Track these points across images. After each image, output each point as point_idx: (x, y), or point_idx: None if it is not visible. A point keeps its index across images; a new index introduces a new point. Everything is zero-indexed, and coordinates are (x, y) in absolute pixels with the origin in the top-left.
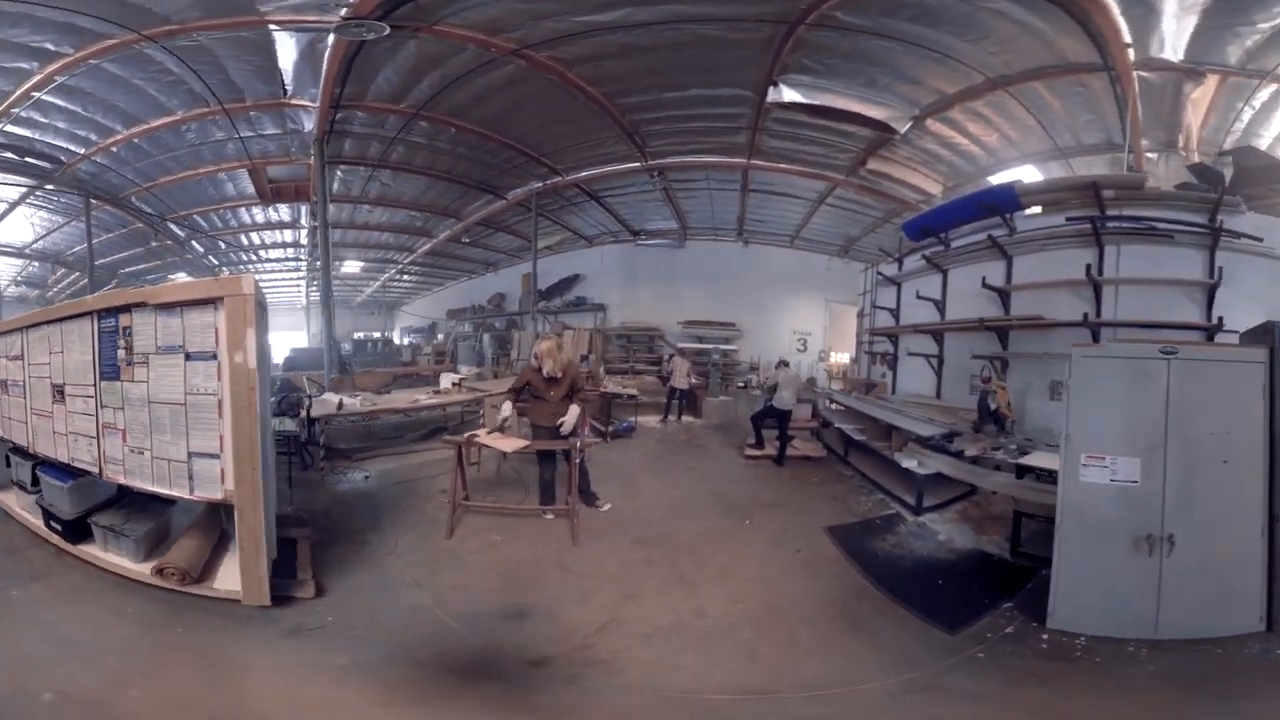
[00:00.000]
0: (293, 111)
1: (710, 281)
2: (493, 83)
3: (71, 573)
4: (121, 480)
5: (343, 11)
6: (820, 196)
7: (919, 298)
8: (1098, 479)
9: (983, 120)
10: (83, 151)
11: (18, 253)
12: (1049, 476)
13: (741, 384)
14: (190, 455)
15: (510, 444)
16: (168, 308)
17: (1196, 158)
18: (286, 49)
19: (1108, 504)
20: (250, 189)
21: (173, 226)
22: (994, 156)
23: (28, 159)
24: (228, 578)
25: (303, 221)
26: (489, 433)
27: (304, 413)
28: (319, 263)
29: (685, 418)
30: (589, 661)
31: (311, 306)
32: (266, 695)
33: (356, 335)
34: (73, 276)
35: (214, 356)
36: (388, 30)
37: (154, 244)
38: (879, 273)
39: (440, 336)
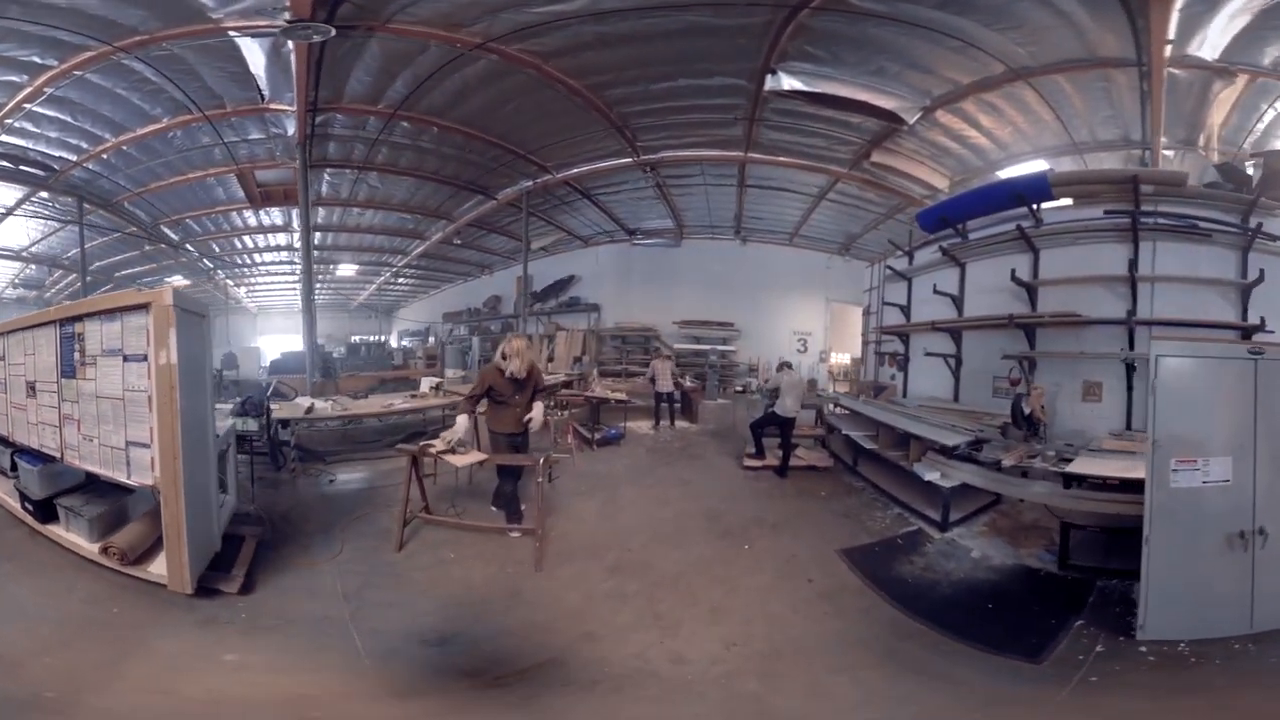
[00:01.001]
0: (274, 116)
1: (707, 281)
2: (469, 79)
3: (41, 551)
4: (77, 464)
5: (286, 15)
6: (821, 191)
7: (936, 292)
8: (1189, 483)
9: (995, 113)
10: (75, 159)
11: (15, 256)
12: (1102, 484)
13: (740, 388)
14: (128, 444)
15: (465, 458)
16: (110, 316)
17: (1216, 157)
18: (254, 54)
19: (1200, 506)
20: (241, 193)
21: (167, 231)
22: (1004, 150)
23: (22, 167)
24: (164, 563)
25: (295, 225)
26: (446, 444)
27: (266, 415)
28: (313, 266)
29: (680, 423)
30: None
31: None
32: (139, 676)
33: (353, 339)
34: (70, 278)
35: (145, 358)
36: (333, 32)
37: (147, 248)
38: (889, 267)
39: (431, 340)
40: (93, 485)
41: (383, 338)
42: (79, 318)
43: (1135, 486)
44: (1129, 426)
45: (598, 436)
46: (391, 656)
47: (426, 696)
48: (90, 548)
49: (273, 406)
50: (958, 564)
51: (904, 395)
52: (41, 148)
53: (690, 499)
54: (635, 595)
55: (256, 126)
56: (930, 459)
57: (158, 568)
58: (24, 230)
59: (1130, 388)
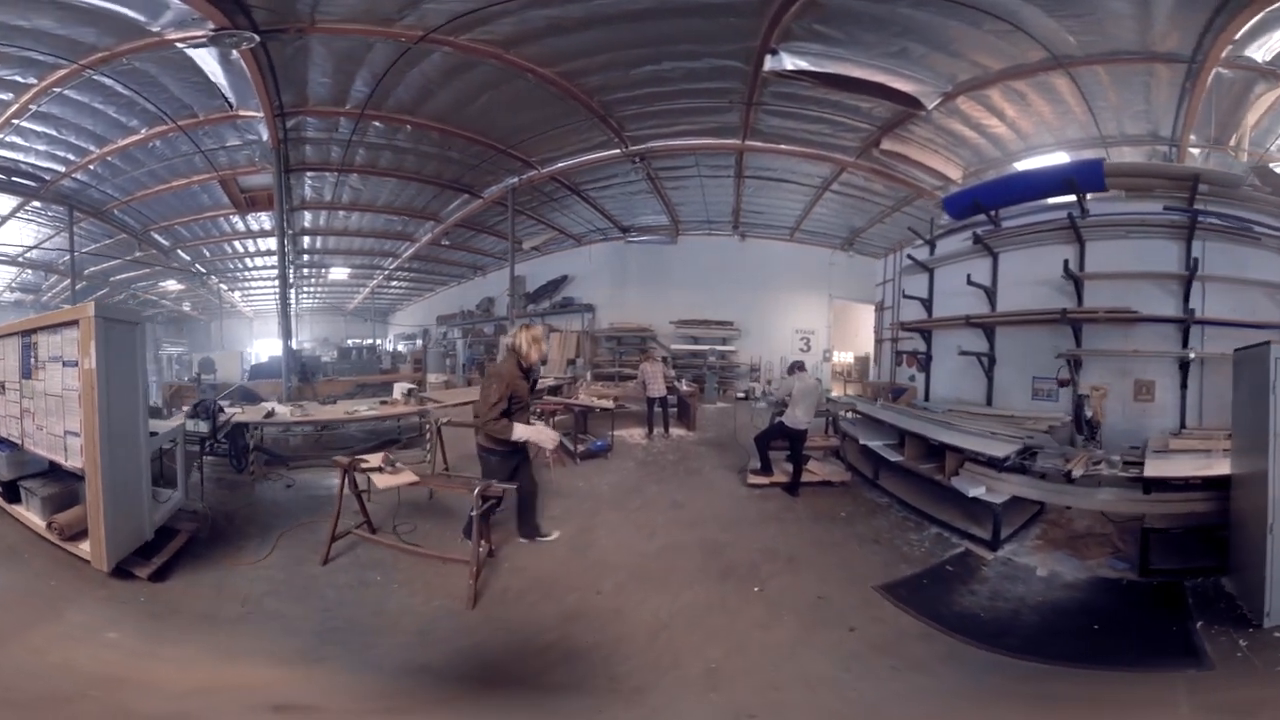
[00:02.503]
0: (246, 123)
1: (705, 278)
2: (429, 74)
3: (5, 527)
4: (33, 449)
5: (210, 24)
6: (824, 182)
7: (971, 284)
8: None
9: (1021, 101)
10: (63, 170)
11: (12, 261)
12: (1185, 484)
13: (742, 394)
14: (65, 433)
15: (392, 479)
16: (54, 329)
17: (1245, 158)
18: (208, 64)
19: None
20: (226, 199)
21: (157, 237)
22: (1025, 141)
23: (14, 178)
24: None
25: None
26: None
27: (221, 418)
28: (305, 270)
29: (676, 431)
30: None
31: (303, 314)
32: (36, 639)
33: (349, 343)
34: (65, 283)
35: (75, 363)
36: (257, 39)
37: (139, 254)
38: (909, 256)
39: (418, 343)
40: (53, 472)
41: (378, 342)
42: (35, 330)
43: (1216, 484)
44: (1183, 425)
45: (581, 449)
46: (236, 660)
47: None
48: (40, 523)
49: (232, 410)
50: (1028, 586)
51: (926, 398)
52: (32, 160)
53: (684, 526)
54: (588, 652)
55: (232, 134)
56: (970, 471)
57: (88, 546)
58: (20, 236)
59: (1184, 386)
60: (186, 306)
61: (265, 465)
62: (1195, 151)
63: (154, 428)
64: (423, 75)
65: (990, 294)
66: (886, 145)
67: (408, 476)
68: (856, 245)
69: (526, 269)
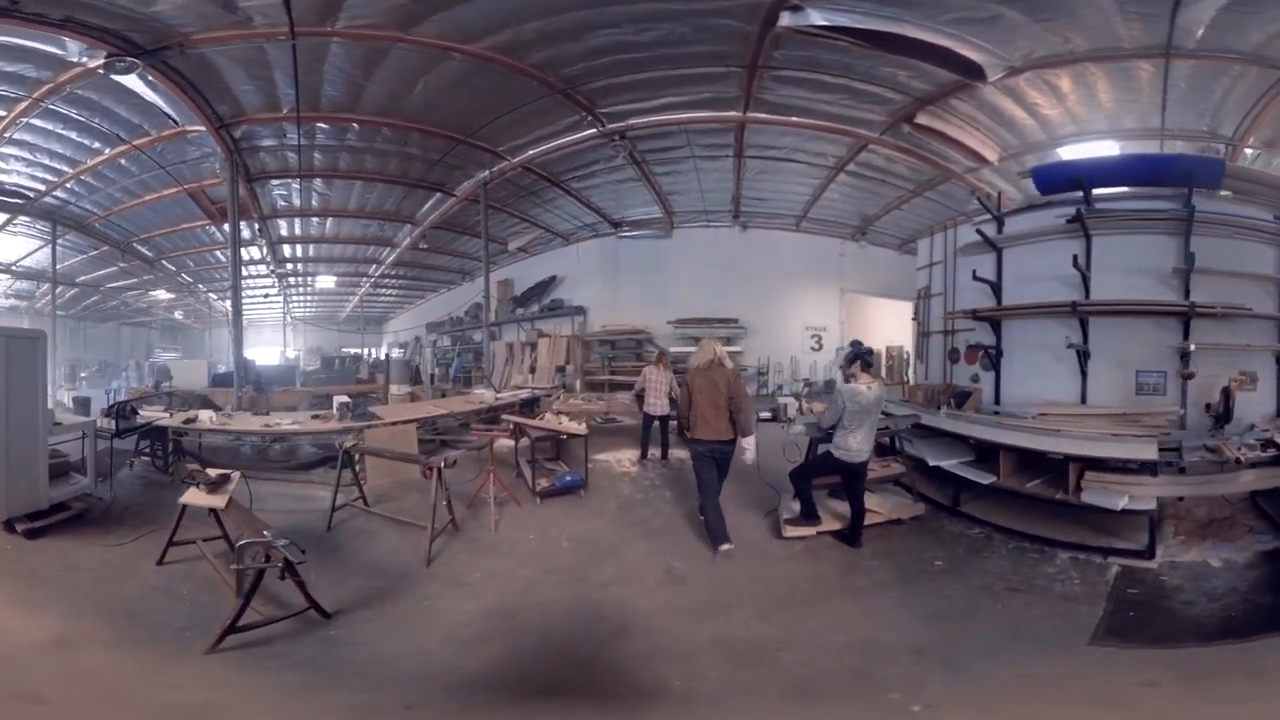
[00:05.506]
0: (200, 136)
1: (705, 274)
2: (347, 68)
3: None
4: None
5: (102, 55)
6: (839, 162)
7: (1076, 267)
8: None
9: (1086, 85)
10: (43, 188)
11: (6, 270)
12: None
13: (768, 414)
14: None
15: (205, 498)
16: None
17: None
18: (139, 87)
19: None
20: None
21: (140, 248)
22: (1077, 126)
23: (1, 197)
24: None
25: (259, 238)
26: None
27: (117, 419)
28: (291, 280)
29: (677, 454)
30: None
31: (297, 324)
32: None
33: (344, 351)
34: (57, 290)
35: None
36: (140, 63)
37: (122, 264)
38: (978, 231)
39: (395, 351)
40: None
41: (368, 351)
42: None
43: None
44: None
45: (543, 485)
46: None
47: None
48: None
49: (151, 414)
50: (1224, 579)
51: (996, 401)
52: (14, 180)
53: (686, 616)
54: None
55: (191, 148)
56: (1097, 481)
57: None
58: (12, 248)
59: None
60: (178, 315)
61: (190, 469)
62: (1249, 152)
63: (65, 421)
64: (340, 70)
65: (1085, 280)
66: (922, 120)
67: (216, 501)
68: (869, 235)
69: (514, 271)
